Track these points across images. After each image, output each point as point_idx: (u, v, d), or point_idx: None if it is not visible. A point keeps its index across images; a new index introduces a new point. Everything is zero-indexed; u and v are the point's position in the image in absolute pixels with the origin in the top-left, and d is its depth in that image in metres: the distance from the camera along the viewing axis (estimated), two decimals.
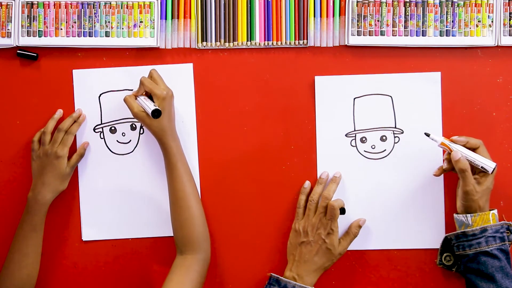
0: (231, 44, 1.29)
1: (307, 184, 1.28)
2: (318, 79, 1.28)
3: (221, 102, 1.30)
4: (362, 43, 1.27)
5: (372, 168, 1.29)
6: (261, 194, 1.29)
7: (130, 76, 1.29)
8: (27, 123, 1.30)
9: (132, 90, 1.29)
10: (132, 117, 1.23)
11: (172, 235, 1.23)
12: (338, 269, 1.29)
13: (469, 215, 1.19)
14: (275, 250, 1.29)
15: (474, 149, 1.20)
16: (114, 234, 1.31)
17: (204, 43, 1.29)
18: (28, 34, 1.29)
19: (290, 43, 1.29)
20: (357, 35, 1.27)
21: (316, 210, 1.25)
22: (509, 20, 1.26)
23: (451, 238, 1.22)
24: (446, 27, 1.27)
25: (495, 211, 1.20)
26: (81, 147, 1.29)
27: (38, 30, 1.29)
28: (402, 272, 1.29)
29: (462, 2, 1.26)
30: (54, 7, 1.29)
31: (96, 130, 1.30)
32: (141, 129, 1.30)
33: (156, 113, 1.17)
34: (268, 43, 1.29)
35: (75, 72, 1.30)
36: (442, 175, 1.26)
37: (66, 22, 1.29)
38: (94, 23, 1.29)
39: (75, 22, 1.29)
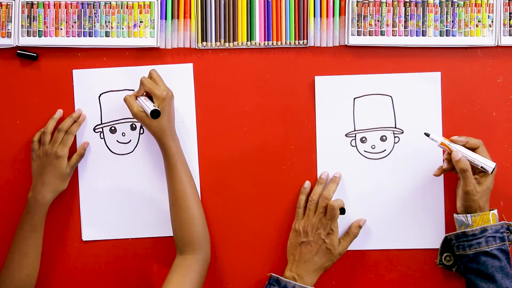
0: (231, 44, 1.29)
1: (307, 184, 1.28)
2: (318, 79, 1.28)
3: (221, 102, 1.30)
4: (362, 43, 1.27)
5: (372, 168, 1.29)
6: (261, 194, 1.29)
7: (130, 76, 1.29)
8: (27, 123, 1.30)
9: (132, 90, 1.29)
10: (132, 117, 1.23)
11: (172, 235, 1.23)
12: (338, 269, 1.29)
13: (469, 215, 1.19)
14: (275, 250, 1.29)
15: (474, 149, 1.21)
16: (114, 234, 1.31)
17: (204, 43, 1.29)
18: (28, 34, 1.29)
19: (290, 43, 1.29)
20: (357, 35, 1.27)
21: (316, 210, 1.25)
22: (509, 20, 1.26)
23: (451, 238, 1.22)
24: (446, 27, 1.27)
25: (495, 211, 1.20)
26: (81, 147, 1.29)
27: (38, 30, 1.29)
28: (402, 272, 1.29)
29: (462, 2, 1.26)
30: (54, 7, 1.29)
31: (96, 130, 1.30)
32: (141, 129, 1.30)
33: (155, 114, 1.17)
34: (268, 43, 1.29)
35: (75, 72, 1.30)
36: (442, 175, 1.26)
37: (66, 22, 1.29)
38: (94, 23, 1.29)
39: (75, 22, 1.29)
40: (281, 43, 1.29)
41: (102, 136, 1.31)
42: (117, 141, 1.31)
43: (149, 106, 1.19)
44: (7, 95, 1.30)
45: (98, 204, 1.30)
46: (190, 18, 1.29)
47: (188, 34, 1.29)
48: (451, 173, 1.24)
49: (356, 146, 1.29)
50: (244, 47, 1.29)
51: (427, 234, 1.28)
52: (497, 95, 1.28)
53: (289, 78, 1.29)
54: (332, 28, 1.28)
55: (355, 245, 1.27)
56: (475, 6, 1.26)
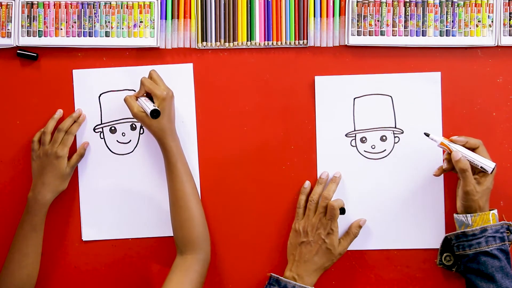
0: (231, 44, 1.29)
1: (307, 184, 1.28)
2: (318, 79, 1.28)
3: (221, 102, 1.30)
4: (362, 43, 1.27)
5: (372, 168, 1.29)
6: (261, 194, 1.29)
7: (130, 76, 1.29)
8: (27, 123, 1.30)
9: (132, 90, 1.29)
10: (132, 117, 1.23)
11: (172, 235, 1.23)
12: (338, 269, 1.29)
13: (469, 215, 1.19)
14: (275, 250, 1.29)
15: (473, 149, 1.21)
16: (114, 234, 1.31)
17: (204, 43, 1.29)
18: (28, 34, 1.29)
19: (290, 43, 1.29)
20: (357, 35, 1.27)
21: (316, 210, 1.25)
22: (509, 20, 1.26)
23: (451, 238, 1.22)
24: (446, 27, 1.27)
25: (495, 211, 1.20)
26: (81, 147, 1.29)
27: (38, 30, 1.29)
28: (402, 272, 1.29)
29: (462, 2, 1.26)
30: (54, 7, 1.29)
31: (96, 130, 1.30)
32: (141, 129, 1.30)
33: (155, 114, 1.17)
34: (268, 43, 1.29)
35: (75, 72, 1.30)
36: (442, 175, 1.26)
37: (66, 22, 1.29)
38: (94, 23, 1.29)
39: (75, 22, 1.29)
40: (281, 43, 1.29)
41: (102, 136, 1.31)
42: (117, 141, 1.31)
43: (149, 106, 1.19)
44: (7, 95, 1.30)
45: (98, 204, 1.30)
46: (190, 18, 1.29)
47: (188, 34, 1.29)
48: (451, 173, 1.24)
49: (356, 146, 1.29)
50: (244, 47, 1.29)
51: (427, 234, 1.28)
52: (497, 95, 1.28)
53: (289, 78, 1.29)
54: (332, 28, 1.28)
55: (355, 245, 1.27)
56: (475, 6, 1.26)
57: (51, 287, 1.31)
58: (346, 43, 1.28)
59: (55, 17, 1.29)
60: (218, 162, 1.30)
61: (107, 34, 1.29)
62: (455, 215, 1.22)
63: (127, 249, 1.31)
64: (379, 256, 1.29)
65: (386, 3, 1.27)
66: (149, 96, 1.23)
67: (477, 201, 1.18)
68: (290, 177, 1.29)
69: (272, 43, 1.29)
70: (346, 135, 1.29)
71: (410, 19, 1.27)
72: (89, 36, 1.29)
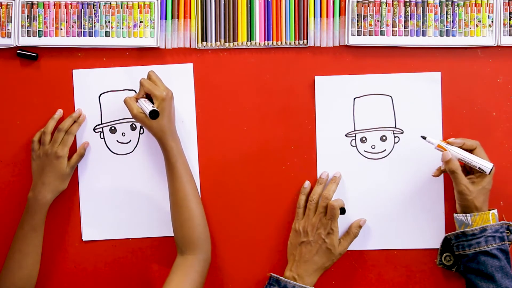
0: (231, 44, 1.29)
1: (307, 184, 1.28)
2: (318, 79, 1.28)
3: (221, 102, 1.30)
4: (362, 43, 1.27)
5: (372, 168, 1.29)
6: (261, 194, 1.29)
7: (130, 76, 1.29)
8: (27, 123, 1.30)
9: (132, 90, 1.29)
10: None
11: (173, 235, 1.23)
12: (338, 269, 1.29)
13: (468, 214, 1.19)
14: (275, 250, 1.29)
15: (471, 150, 1.21)
16: (114, 234, 1.31)
17: (204, 43, 1.29)
18: (28, 34, 1.29)
19: (290, 43, 1.29)
20: (357, 35, 1.27)
21: (316, 210, 1.25)
22: (509, 20, 1.26)
23: (451, 238, 1.22)
24: (446, 27, 1.27)
25: (495, 211, 1.20)
26: (81, 147, 1.29)
27: (38, 30, 1.29)
28: (402, 272, 1.29)
29: (462, 2, 1.26)
30: (54, 7, 1.29)
31: (96, 130, 1.30)
32: (141, 129, 1.30)
33: (154, 114, 1.17)
34: (268, 43, 1.29)
35: (75, 72, 1.30)
36: (442, 175, 1.26)
37: (66, 22, 1.29)
38: (94, 23, 1.29)
39: (75, 22, 1.29)
40: (281, 43, 1.29)
41: (102, 136, 1.31)
42: (117, 141, 1.31)
43: (148, 107, 1.19)
44: (7, 95, 1.30)
45: (98, 204, 1.30)
46: (190, 18, 1.29)
47: (188, 34, 1.29)
48: None
49: (356, 146, 1.29)
50: (244, 47, 1.29)
51: (427, 234, 1.28)
52: (497, 95, 1.28)
53: (289, 78, 1.29)
54: (332, 28, 1.28)
55: (355, 245, 1.27)
56: (475, 6, 1.26)
57: (51, 287, 1.31)
58: (346, 43, 1.28)
59: (55, 17, 1.29)
60: (218, 162, 1.30)
61: (107, 34, 1.29)
62: (455, 215, 1.22)
63: (127, 249, 1.31)
64: (379, 256, 1.29)
65: (386, 3, 1.27)
66: (149, 97, 1.23)
67: (472, 201, 1.18)
68: (290, 177, 1.29)
69: (272, 43, 1.29)
70: (346, 135, 1.29)
71: (410, 19, 1.27)
72: (89, 36, 1.29)
